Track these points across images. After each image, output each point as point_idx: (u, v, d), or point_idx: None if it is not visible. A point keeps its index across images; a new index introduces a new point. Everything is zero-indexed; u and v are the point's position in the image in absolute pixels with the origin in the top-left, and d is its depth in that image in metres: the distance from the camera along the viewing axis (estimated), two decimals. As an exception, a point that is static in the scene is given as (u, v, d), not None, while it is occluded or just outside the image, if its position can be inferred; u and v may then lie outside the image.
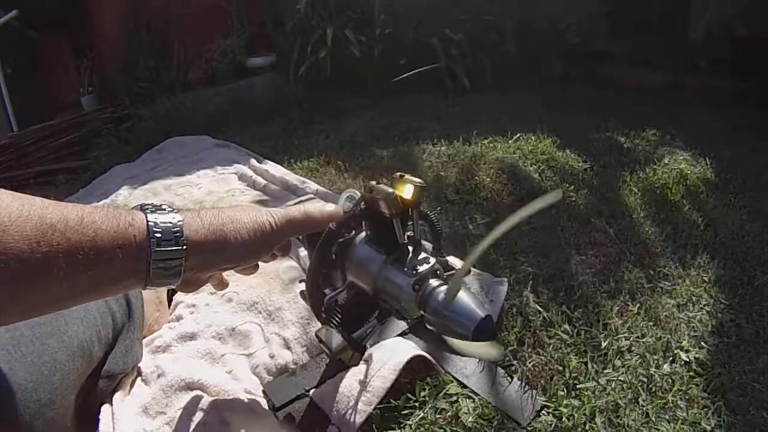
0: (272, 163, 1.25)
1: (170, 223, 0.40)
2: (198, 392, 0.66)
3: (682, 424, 0.60)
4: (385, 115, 1.64)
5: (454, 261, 0.52)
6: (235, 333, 0.76)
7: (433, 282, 0.45)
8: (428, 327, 0.45)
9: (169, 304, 0.86)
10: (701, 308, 0.77)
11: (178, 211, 0.42)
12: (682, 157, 1.26)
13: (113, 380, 0.65)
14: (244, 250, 0.46)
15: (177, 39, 1.79)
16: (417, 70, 1.69)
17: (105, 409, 0.63)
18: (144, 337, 0.76)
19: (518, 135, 1.41)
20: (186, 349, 0.75)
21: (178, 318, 0.82)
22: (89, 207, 0.38)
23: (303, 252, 0.90)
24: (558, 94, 1.81)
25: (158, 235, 0.39)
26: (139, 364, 0.72)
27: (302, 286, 0.61)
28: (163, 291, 0.85)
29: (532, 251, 0.92)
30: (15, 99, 1.81)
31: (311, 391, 0.67)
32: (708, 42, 1.68)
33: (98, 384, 0.61)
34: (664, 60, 1.71)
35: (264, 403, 0.66)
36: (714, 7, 1.63)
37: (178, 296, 0.86)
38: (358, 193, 0.56)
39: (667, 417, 0.61)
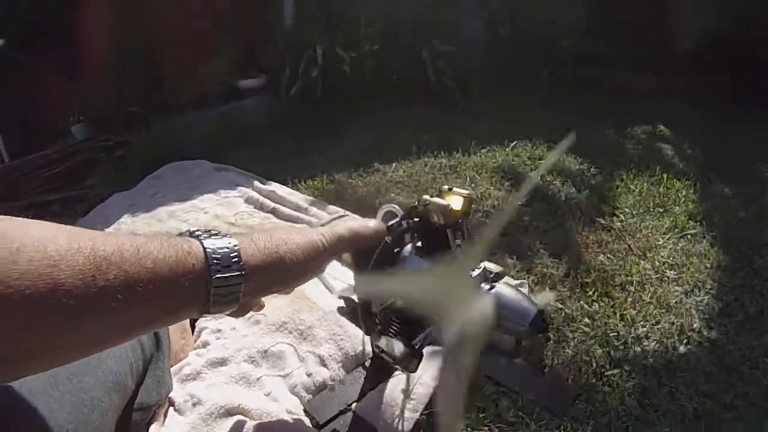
0: (277, 184, 1.30)
1: (227, 248, 0.41)
2: (240, 417, 0.69)
3: (704, 397, 0.67)
4: (380, 130, 1.72)
5: (491, 266, 0.59)
6: (267, 355, 0.80)
7: (485, 285, 0.51)
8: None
9: (192, 331, 0.88)
10: (707, 292, 0.86)
11: (231, 235, 0.44)
12: (672, 153, 1.38)
13: (147, 413, 0.66)
14: (300, 271, 0.47)
15: (167, 63, 1.83)
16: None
17: (142, 444, 0.66)
18: (171, 366, 0.78)
19: (515, 142, 1.51)
20: (218, 375, 0.78)
21: (205, 344, 0.84)
22: (141, 236, 0.38)
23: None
24: (548, 98, 1.94)
25: (217, 261, 0.39)
26: (169, 394, 0.74)
27: (341, 303, 0.66)
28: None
29: (544, 253, 1.00)
30: (4, 128, 1.79)
31: (353, 405, 0.71)
32: (693, 44, 1.83)
33: (131, 418, 0.62)
34: (650, 62, 1.86)
35: (307, 421, 0.69)
36: (700, 15, 1.79)
37: (202, 322, 0.89)
38: (397, 207, 0.62)
39: (689, 393, 0.68)
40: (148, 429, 0.68)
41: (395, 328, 0.53)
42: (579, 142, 1.50)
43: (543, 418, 0.66)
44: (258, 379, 0.76)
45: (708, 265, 0.92)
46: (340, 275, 0.94)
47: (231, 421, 0.68)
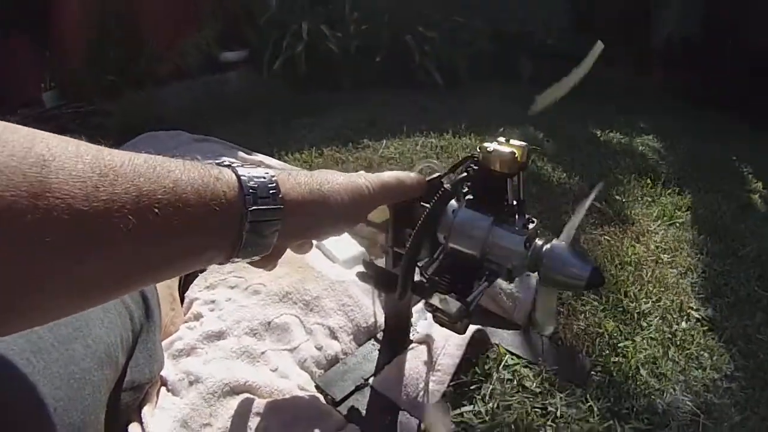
0: (262, 155, 1.23)
1: (264, 178, 0.35)
2: (247, 395, 0.63)
3: (710, 369, 0.71)
4: (366, 109, 1.69)
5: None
6: (271, 327, 0.75)
7: (539, 241, 0.49)
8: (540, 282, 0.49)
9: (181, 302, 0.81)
10: (699, 275, 0.92)
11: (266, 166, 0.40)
12: (654, 147, 1.46)
13: (139, 392, 0.59)
14: (344, 213, 0.43)
15: (148, 31, 1.70)
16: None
17: (133, 428, 0.58)
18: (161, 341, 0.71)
19: (502, 128, 1.53)
20: (215, 349, 0.71)
21: (197, 316, 0.77)
22: (158, 156, 0.31)
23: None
24: (529, 91, 1.97)
25: (253, 191, 0.33)
26: (161, 372, 0.67)
27: (359, 268, 0.63)
28: (175, 286, 0.81)
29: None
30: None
31: (370, 380, 0.68)
32: (668, 44, 1.97)
33: (121, 398, 0.54)
34: (625, 59, 1.97)
35: (322, 398, 0.65)
36: (676, 17, 1.93)
37: (192, 293, 0.81)
38: (436, 162, 0.60)
39: (695, 365, 0.72)
40: (140, 411, 0.60)
41: (445, 284, 0.51)
42: (565, 132, 1.57)
43: (566, 388, 0.67)
44: (262, 353, 0.71)
45: (698, 252, 0.98)
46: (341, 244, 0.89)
47: (237, 400, 0.62)
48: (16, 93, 1.58)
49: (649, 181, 1.25)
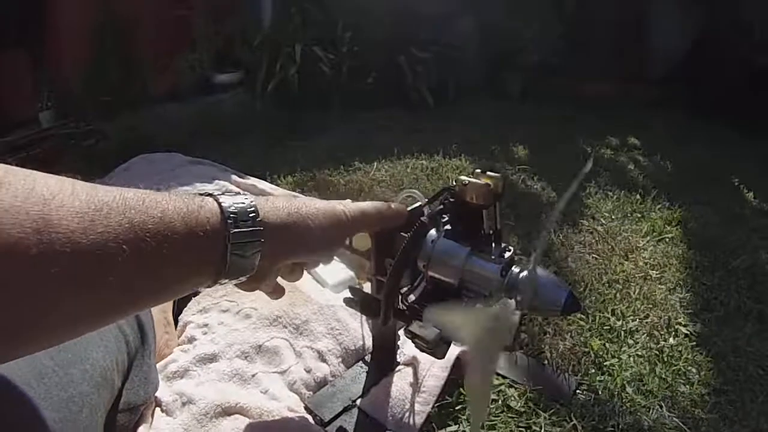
0: (255, 178, 1.26)
1: (243, 203, 0.38)
2: (238, 417, 0.66)
3: (697, 384, 0.72)
4: (357, 130, 1.73)
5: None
6: (262, 350, 0.77)
7: (515, 269, 0.52)
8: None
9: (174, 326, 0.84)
10: (688, 290, 0.93)
11: (245, 194, 0.42)
12: (644, 163, 1.49)
13: (135, 413, 0.62)
14: (324, 237, 0.46)
15: (144, 52, 1.77)
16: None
17: (129, 448, 0.61)
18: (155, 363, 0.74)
19: (493, 147, 1.57)
20: (208, 372, 0.74)
21: (191, 339, 0.80)
22: (145, 190, 0.35)
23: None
24: (519, 108, 2.05)
25: (234, 216, 0.37)
26: (155, 394, 0.69)
27: (336, 296, 0.65)
28: (169, 310, 0.84)
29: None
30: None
31: (358, 401, 0.70)
32: (658, 58, 2.02)
33: (117, 420, 0.58)
34: (615, 74, 2.02)
35: (311, 419, 0.67)
36: (667, 30, 1.97)
37: (185, 316, 0.84)
38: (417, 192, 0.63)
39: (682, 380, 0.74)
40: (135, 431, 0.63)
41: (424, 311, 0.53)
42: (554, 149, 1.60)
43: (551, 407, 0.68)
44: (253, 375, 0.73)
45: (687, 266, 1.00)
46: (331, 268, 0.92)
47: (229, 421, 0.65)
48: (12, 113, 1.63)
49: (638, 196, 1.28)
